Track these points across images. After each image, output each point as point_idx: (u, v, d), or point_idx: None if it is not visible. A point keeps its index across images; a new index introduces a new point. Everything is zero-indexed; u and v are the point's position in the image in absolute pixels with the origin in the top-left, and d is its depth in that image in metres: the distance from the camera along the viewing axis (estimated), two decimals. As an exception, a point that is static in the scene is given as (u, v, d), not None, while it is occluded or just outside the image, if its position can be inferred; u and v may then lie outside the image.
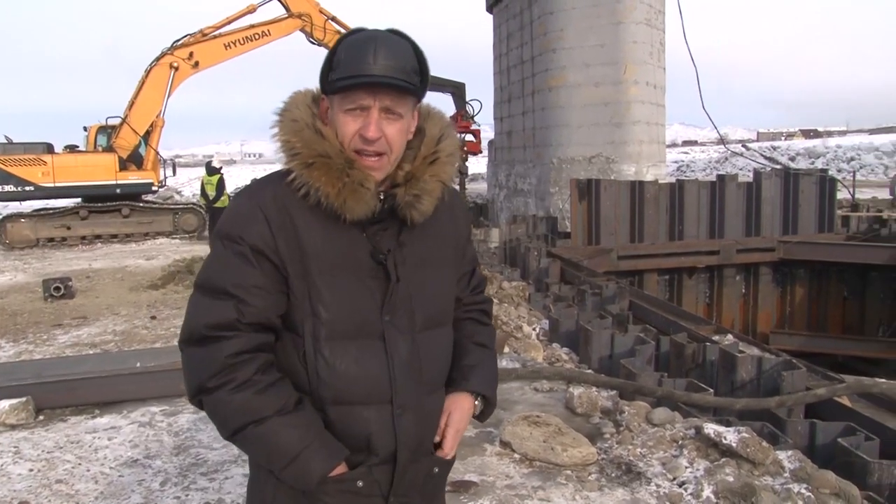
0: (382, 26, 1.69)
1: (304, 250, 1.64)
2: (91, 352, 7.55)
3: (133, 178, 19.23)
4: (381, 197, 1.69)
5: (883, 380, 7.11)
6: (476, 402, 1.91)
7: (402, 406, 1.70)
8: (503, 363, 6.14)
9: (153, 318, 9.34)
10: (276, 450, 1.62)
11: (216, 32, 19.52)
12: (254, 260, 1.63)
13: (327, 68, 1.65)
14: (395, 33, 1.66)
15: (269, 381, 1.63)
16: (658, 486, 3.94)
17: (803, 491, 3.72)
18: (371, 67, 1.58)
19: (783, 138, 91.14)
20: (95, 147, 19.64)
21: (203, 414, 5.20)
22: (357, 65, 1.59)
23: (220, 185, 17.58)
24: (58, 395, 5.47)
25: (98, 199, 19.09)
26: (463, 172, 19.38)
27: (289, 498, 1.71)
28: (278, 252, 1.64)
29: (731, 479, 3.82)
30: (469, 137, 20.24)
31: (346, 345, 1.67)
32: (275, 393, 1.63)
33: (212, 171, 18.32)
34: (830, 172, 14.48)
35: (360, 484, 1.68)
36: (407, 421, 1.70)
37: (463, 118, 19.73)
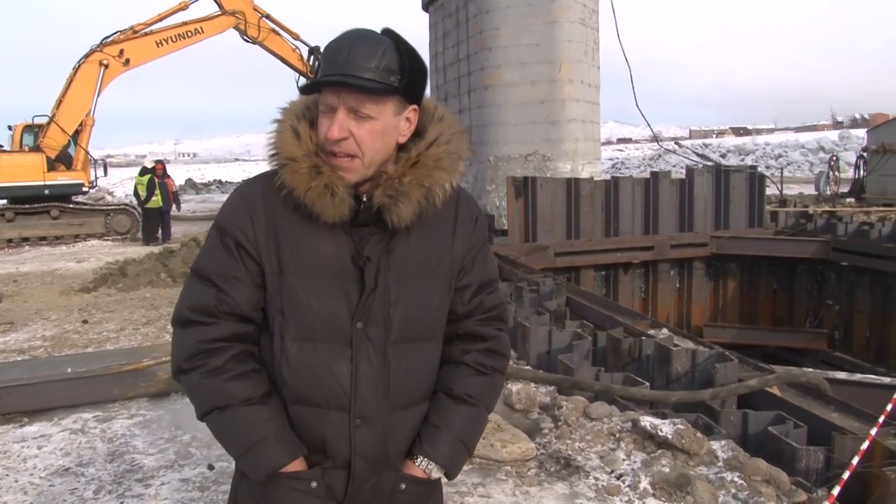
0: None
1: (281, 247, 1.65)
2: (19, 358, 7.30)
3: (62, 178, 18.73)
4: (364, 199, 1.65)
5: (810, 369, 7.36)
6: (430, 471, 1.79)
7: (363, 417, 1.66)
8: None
9: (85, 322, 9.09)
10: (234, 438, 1.67)
11: (147, 29, 19.12)
12: (236, 252, 1.67)
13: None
14: (385, 32, 1.62)
15: (241, 371, 1.66)
16: (596, 479, 4.00)
17: (736, 479, 3.82)
18: (337, 67, 1.56)
19: (714, 136, 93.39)
20: (21, 147, 19.06)
21: (138, 419, 5.10)
22: (327, 65, 1.58)
23: (151, 186, 17.31)
24: (-16, 403, 5.28)
25: (25, 201, 18.54)
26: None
27: (248, 493, 1.74)
28: (257, 246, 1.66)
29: (667, 469, 3.90)
30: None
31: (315, 346, 1.65)
32: (243, 383, 1.65)
33: (143, 171, 17.95)
34: (759, 169, 14.83)
35: (313, 485, 1.67)
36: (366, 433, 1.67)
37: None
